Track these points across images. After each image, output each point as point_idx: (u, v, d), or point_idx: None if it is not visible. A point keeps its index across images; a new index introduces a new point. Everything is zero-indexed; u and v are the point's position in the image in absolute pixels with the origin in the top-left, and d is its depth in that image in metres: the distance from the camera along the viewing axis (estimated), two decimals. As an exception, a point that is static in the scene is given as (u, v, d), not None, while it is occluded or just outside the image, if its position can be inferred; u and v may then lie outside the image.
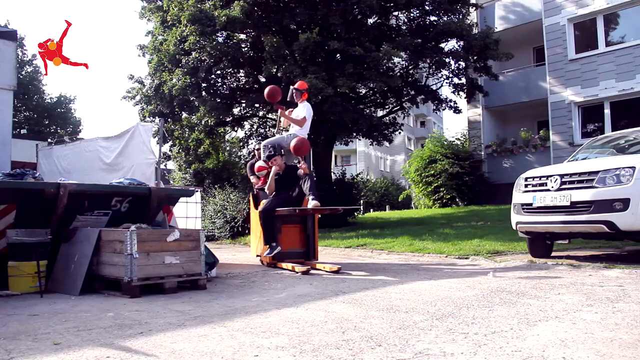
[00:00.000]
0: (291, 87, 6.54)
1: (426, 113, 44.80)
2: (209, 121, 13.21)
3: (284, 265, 5.86)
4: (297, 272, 5.35)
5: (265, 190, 6.21)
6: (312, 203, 5.51)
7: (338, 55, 11.18)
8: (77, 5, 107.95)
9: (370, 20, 12.54)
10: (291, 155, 6.37)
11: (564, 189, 5.22)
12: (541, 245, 5.96)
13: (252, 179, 6.97)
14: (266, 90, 6.53)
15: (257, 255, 6.48)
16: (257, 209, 6.36)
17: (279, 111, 6.56)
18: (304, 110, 6.39)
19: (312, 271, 5.51)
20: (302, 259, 6.07)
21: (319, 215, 6.63)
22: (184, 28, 11.31)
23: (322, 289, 4.17)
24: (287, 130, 6.72)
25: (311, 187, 5.68)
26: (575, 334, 2.44)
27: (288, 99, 6.59)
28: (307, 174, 5.87)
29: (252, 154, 7.16)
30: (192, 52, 11.77)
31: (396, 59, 12.02)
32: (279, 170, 6.14)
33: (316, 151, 12.67)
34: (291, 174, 6.11)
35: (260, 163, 6.46)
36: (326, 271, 5.41)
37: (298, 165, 6.03)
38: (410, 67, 13.25)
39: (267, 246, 5.81)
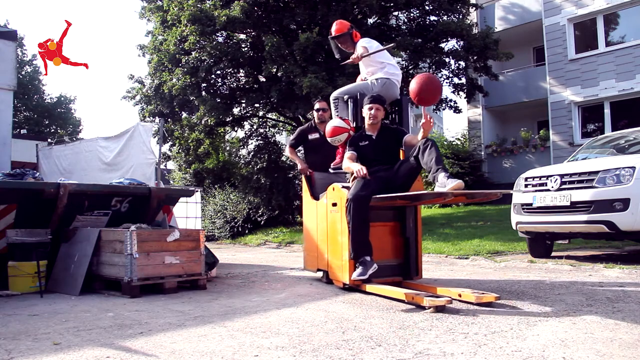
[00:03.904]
0: (329, 37, 4.67)
1: (426, 113, 44.80)
2: (209, 121, 13.20)
3: (381, 290, 3.58)
4: (428, 308, 3.07)
5: (344, 171, 4.07)
6: (450, 183, 3.25)
7: (338, 55, 11.16)
8: (77, 5, 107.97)
9: (370, 20, 12.54)
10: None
11: (564, 189, 5.23)
12: (541, 245, 5.97)
13: (296, 159, 5.03)
14: (336, 27, 4.54)
15: (319, 270, 4.45)
16: (315, 198, 4.53)
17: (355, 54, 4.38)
18: (370, 46, 4.37)
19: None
20: (399, 276, 4.03)
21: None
22: (184, 28, 11.31)
23: (322, 288, 4.16)
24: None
25: (438, 159, 3.50)
26: (575, 334, 2.44)
27: (337, 49, 4.68)
28: (428, 138, 3.66)
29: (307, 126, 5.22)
30: (192, 52, 11.77)
31: (396, 59, 12.01)
32: (369, 132, 4.01)
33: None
34: (386, 141, 4.01)
35: (336, 122, 4.19)
36: (472, 303, 3.25)
37: (421, 124, 3.66)
38: (410, 67, 13.24)
39: (355, 262, 3.66)
